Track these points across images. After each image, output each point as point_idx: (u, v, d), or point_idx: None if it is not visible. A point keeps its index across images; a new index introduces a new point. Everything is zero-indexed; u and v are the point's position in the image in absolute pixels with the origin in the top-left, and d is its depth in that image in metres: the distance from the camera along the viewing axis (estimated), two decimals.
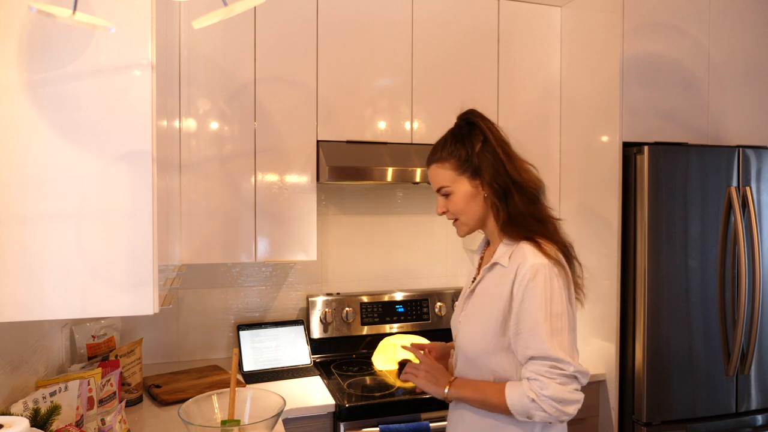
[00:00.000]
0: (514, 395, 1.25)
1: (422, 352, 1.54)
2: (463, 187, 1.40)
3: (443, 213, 1.47)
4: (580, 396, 1.25)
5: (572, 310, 1.31)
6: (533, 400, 1.22)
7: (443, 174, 1.43)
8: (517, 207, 1.34)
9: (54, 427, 1.24)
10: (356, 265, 2.65)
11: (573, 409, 1.23)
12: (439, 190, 1.46)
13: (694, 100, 2.34)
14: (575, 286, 1.34)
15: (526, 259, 1.29)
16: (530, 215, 1.34)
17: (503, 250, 1.36)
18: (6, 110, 1.13)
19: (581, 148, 2.43)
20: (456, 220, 1.46)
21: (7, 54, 1.13)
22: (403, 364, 1.57)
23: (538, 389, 1.22)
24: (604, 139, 2.29)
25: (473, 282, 1.46)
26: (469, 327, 1.39)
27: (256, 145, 2.15)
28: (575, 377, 1.24)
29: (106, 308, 1.19)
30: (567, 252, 1.35)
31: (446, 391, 1.39)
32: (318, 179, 2.22)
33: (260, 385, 2.09)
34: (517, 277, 1.29)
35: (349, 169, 2.15)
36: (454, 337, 1.52)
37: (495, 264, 1.37)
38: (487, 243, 1.53)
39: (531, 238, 1.33)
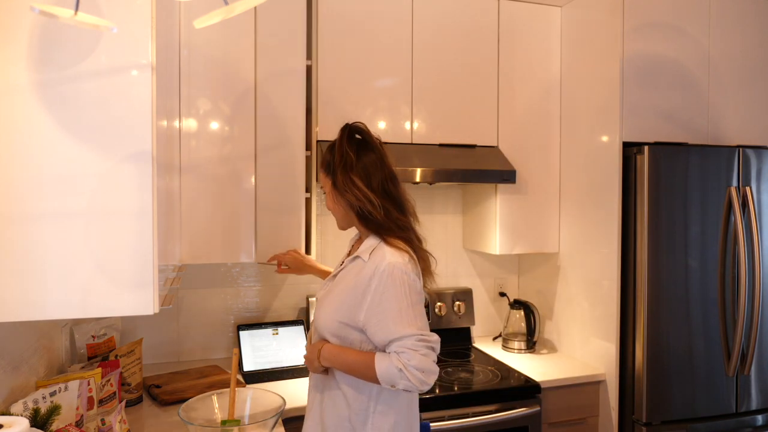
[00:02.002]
0: (382, 365, 1.38)
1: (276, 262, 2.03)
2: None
3: None
4: (437, 368, 1.41)
5: (422, 298, 1.50)
6: (401, 370, 1.36)
7: None
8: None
9: (54, 427, 1.24)
10: None
11: (432, 380, 1.39)
12: None
13: (694, 100, 2.34)
14: (426, 273, 1.53)
15: (385, 257, 1.43)
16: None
17: (366, 246, 1.51)
18: (15, 109, 1.14)
19: (581, 148, 2.43)
20: None
21: (17, 53, 1.14)
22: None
23: (406, 360, 1.36)
24: (604, 139, 2.29)
25: (338, 269, 1.60)
26: (326, 307, 1.53)
27: (256, 145, 2.15)
28: (433, 348, 1.40)
29: (107, 308, 1.19)
30: (416, 246, 1.52)
31: (320, 360, 1.50)
32: (318, 179, 2.22)
33: (260, 385, 2.09)
34: (377, 272, 1.43)
35: None
36: (313, 317, 1.64)
37: (357, 257, 1.51)
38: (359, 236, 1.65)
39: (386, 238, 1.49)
